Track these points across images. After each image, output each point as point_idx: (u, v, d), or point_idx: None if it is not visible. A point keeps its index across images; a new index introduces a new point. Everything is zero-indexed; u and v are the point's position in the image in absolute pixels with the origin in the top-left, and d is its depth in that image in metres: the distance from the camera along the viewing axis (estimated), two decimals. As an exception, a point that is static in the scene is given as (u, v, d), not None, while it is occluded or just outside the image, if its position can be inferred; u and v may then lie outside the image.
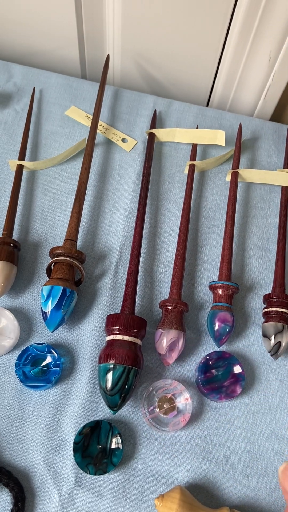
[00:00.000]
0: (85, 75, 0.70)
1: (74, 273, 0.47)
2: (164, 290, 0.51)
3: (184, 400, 0.44)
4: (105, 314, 0.48)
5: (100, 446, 0.41)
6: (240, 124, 0.59)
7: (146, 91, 0.68)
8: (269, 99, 0.64)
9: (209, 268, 0.52)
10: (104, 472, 0.41)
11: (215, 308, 0.47)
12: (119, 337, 0.43)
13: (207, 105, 0.69)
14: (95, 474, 0.40)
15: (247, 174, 0.56)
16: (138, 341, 0.44)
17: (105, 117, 0.61)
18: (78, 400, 0.44)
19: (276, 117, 0.68)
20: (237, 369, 0.46)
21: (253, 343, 0.49)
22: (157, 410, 0.44)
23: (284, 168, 0.58)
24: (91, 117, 0.59)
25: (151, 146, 0.57)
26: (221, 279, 0.49)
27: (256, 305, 0.51)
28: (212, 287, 0.49)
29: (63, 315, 0.45)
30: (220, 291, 0.48)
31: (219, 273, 0.50)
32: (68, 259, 0.46)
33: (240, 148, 0.57)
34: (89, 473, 0.40)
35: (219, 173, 0.58)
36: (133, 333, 0.43)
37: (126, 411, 0.44)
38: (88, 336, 0.47)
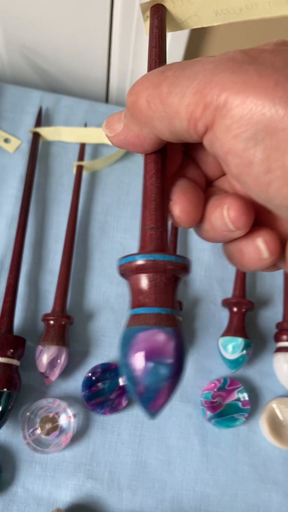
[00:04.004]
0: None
1: None
2: (50, 301, 0.48)
3: (67, 418, 0.42)
4: (-16, 333, 0.45)
5: (-26, 477, 0.39)
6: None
7: (41, 87, 0.64)
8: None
9: (100, 274, 0.50)
10: (-23, 505, 0.38)
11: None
12: (-9, 359, 0.40)
13: (107, 101, 0.66)
14: None
15: (138, 173, 0.54)
16: (14, 362, 0.41)
17: (-14, 116, 0.57)
18: None
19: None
20: (124, 380, 0.44)
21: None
22: (38, 431, 0.41)
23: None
24: (-29, 116, 0.55)
25: (36, 146, 0.53)
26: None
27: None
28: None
29: None
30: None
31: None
32: None
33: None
34: None
35: (111, 173, 0.56)
36: (7, 354, 0.41)
37: (6, 435, 0.42)
38: None
